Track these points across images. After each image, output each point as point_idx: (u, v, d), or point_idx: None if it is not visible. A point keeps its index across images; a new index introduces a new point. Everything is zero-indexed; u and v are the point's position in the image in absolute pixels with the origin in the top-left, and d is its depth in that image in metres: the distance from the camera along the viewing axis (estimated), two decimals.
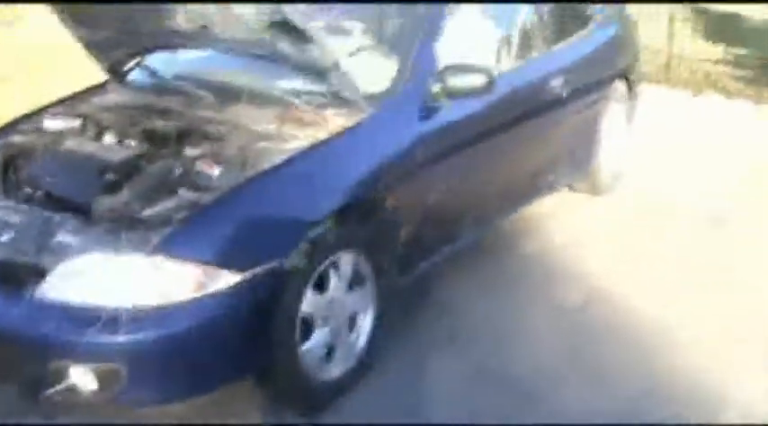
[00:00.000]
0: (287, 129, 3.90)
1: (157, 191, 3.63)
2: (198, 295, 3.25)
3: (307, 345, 3.64)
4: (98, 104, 4.43)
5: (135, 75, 4.70)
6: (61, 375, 3.24)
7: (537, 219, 5.56)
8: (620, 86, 5.97)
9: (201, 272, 3.25)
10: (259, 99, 4.13)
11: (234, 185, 3.54)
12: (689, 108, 8.32)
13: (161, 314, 3.21)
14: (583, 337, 4.30)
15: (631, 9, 7.09)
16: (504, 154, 4.74)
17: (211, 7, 3.86)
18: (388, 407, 3.77)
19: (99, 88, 4.68)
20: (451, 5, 4.64)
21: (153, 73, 4.64)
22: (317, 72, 3.89)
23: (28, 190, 3.80)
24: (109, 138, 4.10)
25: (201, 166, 3.71)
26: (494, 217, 4.96)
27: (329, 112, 3.96)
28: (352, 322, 3.90)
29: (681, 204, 5.88)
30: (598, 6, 5.99)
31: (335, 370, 3.82)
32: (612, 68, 5.90)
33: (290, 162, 3.66)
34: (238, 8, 3.77)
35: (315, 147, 3.76)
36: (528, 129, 4.87)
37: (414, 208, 4.11)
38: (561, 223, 5.58)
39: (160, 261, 3.24)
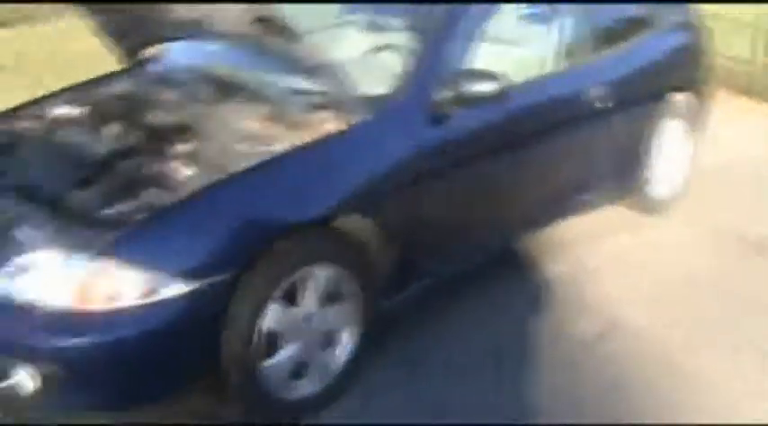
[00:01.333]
0: (274, 130, 3.71)
1: (125, 190, 3.49)
2: (145, 302, 3.08)
3: (270, 361, 3.43)
4: (103, 93, 4.33)
5: (148, 65, 4.55)
6: (4, 372, 3.12)
7: (574, 238, 5.23)
8: (680, 99, 5.55)
9: (150, 278, 3.09)
10: (254, 96, 3.95)
11: (197, 188, 3.34)
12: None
13: (105, 318, 3.07)
14: (586, 375, 3.96)
15: (713, 18, 6.76)
16: (523, 168, 4.41)
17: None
18: None
19: (110, 77, 4.59)
20: (483, 6, 4.33)
21: (162, 63, 4.54)
22: (306, 71, 3.64)
23: (8, 180, 3.69)
24: (102, 130, 3.98)
25: (172, 166, 3.53)
26: (508, 236, 4.62)
27: (321, 115, 3.73)
28: (329, 339, 3.66)
29: (735, 229, 5.49)
30: (664, 12, 5.58)
31: (305, 389, 3.61)
32: (670, 80, 5.51)
33: (262, 166, 3.45)
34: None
35: (293, 152, 3.54)
36: (556, 143, 4.54)
37: (408, 224, 3.84)
38: (599, 244, 5.23)
39: (107, 263, 3.09)
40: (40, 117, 4.18)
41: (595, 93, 4.71)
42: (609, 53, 5.01)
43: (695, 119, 5.81)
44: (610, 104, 4.79)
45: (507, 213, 4.48)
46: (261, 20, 3.51)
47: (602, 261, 5.00)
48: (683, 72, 5.69)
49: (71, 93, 4.41)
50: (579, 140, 4.72)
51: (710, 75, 6.01)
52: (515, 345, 4.16)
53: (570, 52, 4.81)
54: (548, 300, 4.56)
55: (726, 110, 7.25)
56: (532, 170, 4.47)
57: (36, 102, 4.37)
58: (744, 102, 8.42)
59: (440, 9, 4.21)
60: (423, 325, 4.27)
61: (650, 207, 5.60)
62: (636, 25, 5.39)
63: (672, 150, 5.60)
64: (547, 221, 4.87)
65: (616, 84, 4.89)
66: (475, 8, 4.31)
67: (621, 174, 5.22)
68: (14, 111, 4.31)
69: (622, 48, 5.15)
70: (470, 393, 3.81)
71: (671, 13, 5.79)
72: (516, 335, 4.24)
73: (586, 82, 4.73)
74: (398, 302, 3.96)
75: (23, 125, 4.12)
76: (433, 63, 3.98)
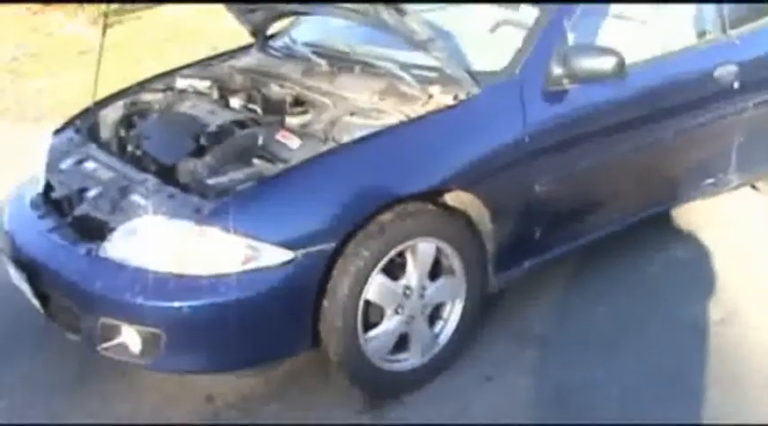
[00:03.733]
0: (386, 104, 3.73)
1: (236, 159, 3.59)
2: (245, 268, 3.17)
3: (372, 333, 3.47)
4: (227, 67, 4.45)
5: (272, 40, 4.65)
6: (113, 332, 3.28)
7: (703, 221, 5.08)
8: None
9: (249, 246, 3.17)
10: (369, 70, 3.98)
11: (303, 159, 3.40)
12: None
13: (206, 284, 3.16)
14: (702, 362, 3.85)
15: None
16: (644, 148, 4.27)
17: None
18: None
19: (239, 51, 4.71)
20: None
21: (285, 39, 4.66)
22: (421, 45, 3.65)
23: (131, 147, 3.84)
24: (222, 102, 4.08)
25: (281, 137, 3.59)
26: (627, 216, 4.46)
27: (433, 89, 3.72)
28: (434, 313, 3.67)
29: None
30: None
31: (409, 362, 3.63)
32: None
33: (368, 139, 3.48)
34: None
35: (401, 125, 3.56)
36: (681, 122, 4.39)
37: (520, 201, 3.81)
38: (728, 228, 5.05)
39: (208, 230, 3.18)
40: (167, 89, 4.32)
41: (729, 72, 4.54)
42: (747, 31, 4.80)
43: None
44: (745, 84, 4.61)
45: (626, 193, 4.37)
46: None
47: (730, 246, 4.83)
48: None
49: (199, 67, 4.54)
50: (709, 121, 4.55)
51: None
52: (630, 326, 4.10)
53: (704, 29, 4.65)
54: (666, 283, 4.44)
55: None
56: (654, 149, 4.33)
57: (166, 75, 4.51)
58: None
59: None
60: (538, 300, 4.27)
61: None
62: None
63: None
64: (670, 203, 4.73)
65: (753, 63, 4.70)
66: None
67: (757, 157, 5.00)
68: (145, 84, 4.45)
69: (764, 25, 4.92)
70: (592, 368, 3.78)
71: None
72: (631, 317, 4.16)
73: (719, 60, 4.55)
74: (509, 278, 3.93)
75: (150, 97, 4.27)
76: (549, 37, 3.91)
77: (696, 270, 4.61)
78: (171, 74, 4.51)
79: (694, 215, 5.08)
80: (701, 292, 4.38)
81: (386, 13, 3.56)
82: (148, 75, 4.59)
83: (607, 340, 3.99)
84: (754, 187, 5.40)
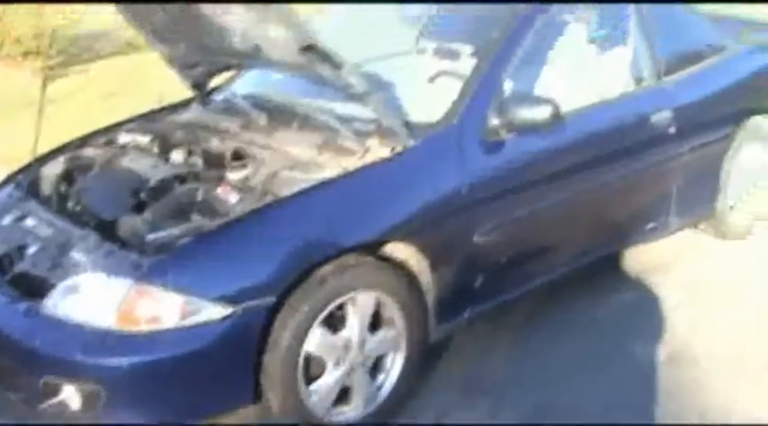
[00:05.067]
0: (324, 157, 3.75)
1: (174, 214, 3.60)
2: (184, 324, 3.19)
3: (314, 386, 3.48)
4: (171, 121, 4.45)
5: (212, 94, 4.67)
6: (53, 389, 3.25)
7: (649, 264, 5.15)
8: (760, 123, 5.41)
9: (188, 302, 3.18)
10: (308, 123, 4.00)
11: (242, 214, 3.42)
12: None
13: (146, 340, 3.18)
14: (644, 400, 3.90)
15: None
16: (583, 194, 4.32)
17: (259, 28, 3.71)
18: None
19: (181, 105, 4.72)
20: (544, 29, 4.34)
21: (225, 92, 4.69)
22: (358, 98, 3.68)
23: (71, 203, 3.85)
24: (163, 157, 4.09)
25: (220, 192, 3.62)
26: (566, 263, 4.49)
27: (372, 142, 3.75)
28: (376, 364, 3.68)
29: None
30: (737, 33, 5.48)
31: (351, 414, 3.64)
32: (747, 103, 5.35)
33: (306, 192, 3.51)
34: (277, 31, 3.60)
35: (339, 179, 3.59)
36: (620, 168, 4.46)
37: (459, 251, 3.84)
38: (674, 270, 5.13)
39: (148, 286, 3.20)
40: (108, 144, 4.32)
41: (665, 117, 4.63)
42: (682, 76, 4.91)
43: None
44: (682, 129, 4.70)
45: (567, 240, 4.41)
46: (308, 48, 3.53)
47: (675, 287, 4.90)
48: (764, 94, 5.52)
49: (140, 121, 4.55)
50: (646, 166, 4.62)
51: None
52: (583, 368, 4.15)
53: (639, 76, 4.74)
54: (615, 325, 4.50)
55: None
56: (594, 196, 4.39)
57: (107, 130, 4.51)
58: None
59: (498, 33, 4.17)
60: (490, 344, 4.31)
61: (728, 232, 5.44)
62: (714, 46, 5.25)
63: (751, 174, 5.43)
64: (612, 248, 4.81)
65: (689, 108, 4.82)
66: (535, 32, 4.28)
67: (697, 200, 5.09)
68: (86, 139, 4.45)
69: (699, 70, 5.06)
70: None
71: (753, 34, 5.66)
72: (583, 359, 4.23)
73: (655, 106, 4.65)
74: (451, 327, 3.96)
75: (92, 152, 4.27)
76: (485, 88, 3.98)
77: (643, 312, 4.67)
78: (112, 128, 4.51)
79: (639, 257, 5.14)
80: (648, 333, 4.44)
81: (322, 66, 3.58)
82: (95, 127, 4.57)
83: (559, 382, 4.02)
84: (696, 227, 5.44)
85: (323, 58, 3.57)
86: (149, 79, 8.56)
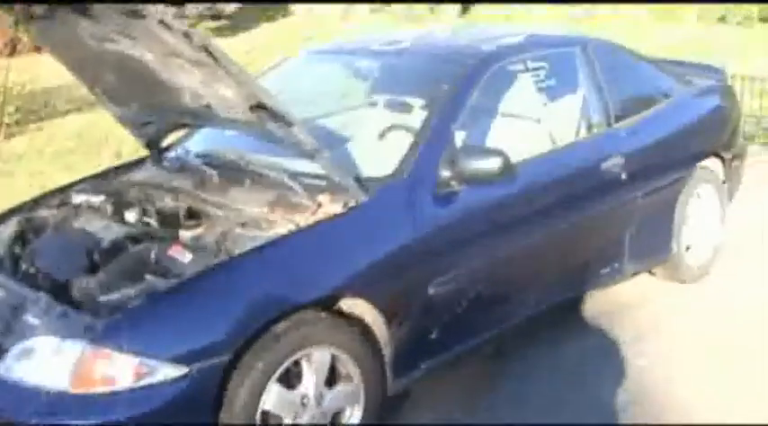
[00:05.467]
0: (276, 214, 3.77)
1: (127, 275, 3.58)
2: (139, 385, 3.16)
3: None
4: (125, 180, 4.44)
5: (165, 153, 4.67)
6: None
7: (607, 308, 5.20)
8: (711, 165, 5.51)
9: (142, 363, 3.17)
10: (260, 180, 4.02)
11: (194, 273, 3.42)
12: None
13: (100, 401, 3.16)
14: None
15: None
16: (537, 242, 4.36)
17: (210, 87, 3.73)
18: None
19: (134, 164, 4.72)
20: (494, 81, 4.38)
21: (180, 150, 4.68)
22: (309, 154, 3.71)
23: (24, 265, 3.82)
24: (116, 217, 4.08)
25: (173, 252, 3.61)
26: (525, 310, 4.52)
27: (324, 198, 3.77)
28: (336, 419, 3.68)
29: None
30: (685, 78, 5.58)
31: None
32: (698, 147, 5.46)
33: (259, 251, 3.51)
34: (227, 89, 3.63)
35: (291, 236, 3.60)
36: (572, 215, 4.51)
37: (415, 304, 3.85)
38: (631, 314, 5.18)
39: (101, 348, 3.18)
40: (62, 204, 4.31)
41: (617, 163, 4.70)
42: (632, 122, 4.98)
43: (728, 185, 5.73)
44: (634, 174, 4.76)
45: (522, 288, 4.44)
46: (259, 106, 3.56)
47: (634, 330, 4.94)
48: (713, 137, 5.63)
49: (94, 181, 4.54)
50: (599, 213, 4.69)
51: (742, 139, 5.99)
52: (539, 413, 4.16)
53: (589, 123, 4.81)
54: (579, 369, 4.53)
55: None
56: (548, 243, 4.43)
57: (61, 190, 4.50)
58: None
59: (448, 86, 4.21)
60: (442, 398, 4.29)
61: (684, 275, 5.50)
62: (662, 92, 5.34)
63: (704, 217, 5.52)
64: (568, 294, 4.84)
65: (640, 154, 4.88)
66: (484, 83, 4.33)
67: (651, 244, 5.15)
68: (39, 199, 4.44)
69: (648, 115, 5.13)
70: None
71: (700, 78, 5.76)
72: (542, 405, 4.23)
73: (606, 152, 4.71)
74: (409, 380, 3.96)
75: (45, 212, 4.26)
76: (436, 141, 4.01)
77: (604, 355, 4.71)
78: (66, 188, 4.49)
79: (598, 302, 5.20)
80: (609, 377, 4.46)
81: (273, 124, 3.61)
82: (51, 186, 4.56)
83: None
84: (651, 273, 5.49)
85: (273, 116, 3.58)
86: (106, 136, 8.59)
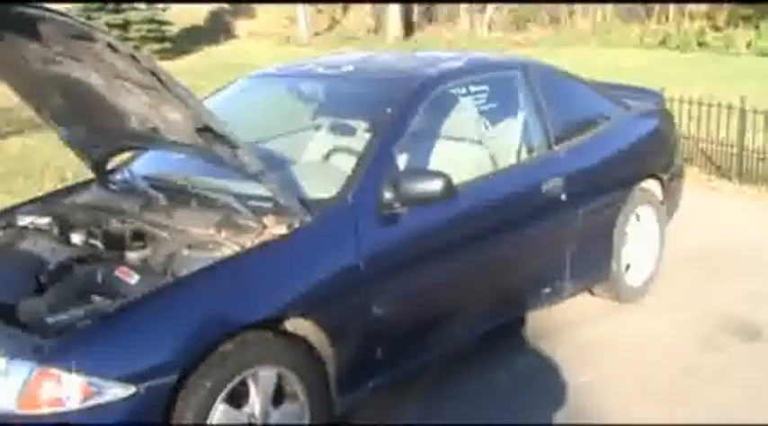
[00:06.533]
0: (222, 236, 3.81)
1: (74, 297, 3.61)
2: (87, 405, 3.17)
3: None
4: (71, 203, 4.46)
5: (112, 175, 4.70)
6: None
7: (546, 329, 5.27)
8: (650, 186, 5.64)
9: (90, 383, 3.18)
10: (204, 203, 4.07)
11: (140, 294, 3.45)
12: (755, 206, 7.88)
13: (48, 422, 3.16)
14: None
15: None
16: (479, 262, 4.45)
17: (156, 110, 3.77)
18: None
19: (80, 186, 4.73)
20: (435, 104, 4.46)
21: (125, 173, 4.69)
22: (253, 176, 3.76)
23: None
24: (63, 239, 4.09)
25: (120, 273, 3.64)
26: (467, 331, 4.61)
27: (269, 219, 3.82)
28: None
29: (712, 312, 5.52)
30: (624, 102, 5.72)
31: None
32: (639, 167, 5.61)
33: (204, 272, 3.55)
34: (173, 112, 3.67)
35: (237, 257, 3.64)
36: (514, 236, 4.61)
37: (359, 324, 3.91)
38: (570, 333, 5.26)
39: (48, 370, 3.18)
40: (7, 226, 4.32)
41: (556, 185, 4.80)
42: (572, 144, 5.09)
43: (667, 205, 5.87)
44: (573, 195, 4.87)
45: (466, 308, 4.53)
46: (204, 129, 3.61)
47: (573, 350, 5.02)
48: (651, 158, 5.78)
49: (40, 203, 4.55)
50: (540, 233, 4.80)
51: (680, 161, 6.12)
52: None
53: (530, 145, 4.91)
54: (512, 392, 4.58)
55: (708, 194, 7.36)
56: (490, 263, 4.53)
57: (7, 212, 4.51)
58: (726, 185, 8.50)
59: (391, 109, 4.30)
60: (387, 418, 4.32)
61: (623, 294, 5.61)
62: (601, 115, 5.46)
63: (643, 237, 5.66)
64: (511, 313, 4.94)
65: (580, 175, 5.00)
66: (427, 106, 4.41)
67: (591, 264, 5.26)
68: None
69: (587, 138, 5.25)
70: None
71: (638, 101, 5.90)
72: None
73: (547, 174, 4.82)
74: (355, 399, 4.01)
75: None
76: (378, 163, 4.09)
77: (539, 377, 4.77)
78: (11, 210, 4.50)
79: (539, 321, 5.28)
80: (547, 397, 4.54)
81: (219, 147, 3.66)
82: None
83: None
84: (591, 293, 5.59)
85: (219, 139, 3.63)
86: (50, 159, 8.55)
